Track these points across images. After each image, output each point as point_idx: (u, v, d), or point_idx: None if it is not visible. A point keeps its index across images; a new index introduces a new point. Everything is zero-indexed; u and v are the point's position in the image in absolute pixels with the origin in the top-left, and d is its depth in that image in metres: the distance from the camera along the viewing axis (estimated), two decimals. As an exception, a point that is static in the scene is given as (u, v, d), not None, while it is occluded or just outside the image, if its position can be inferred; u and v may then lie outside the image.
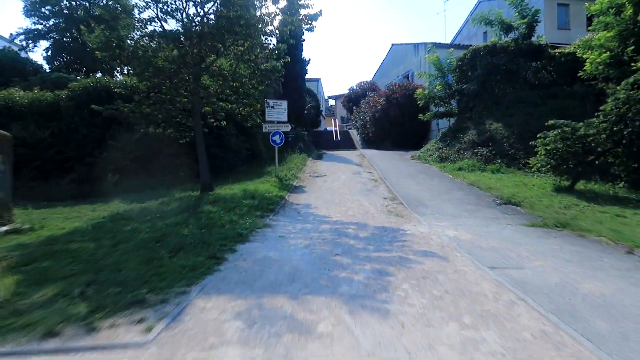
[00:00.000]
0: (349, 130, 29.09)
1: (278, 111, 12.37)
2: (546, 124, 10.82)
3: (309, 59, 24.03)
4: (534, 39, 16.75)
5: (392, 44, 26.51)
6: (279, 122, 12.48)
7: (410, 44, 23.66)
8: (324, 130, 31.46)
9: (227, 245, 5.21)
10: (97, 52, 9.59)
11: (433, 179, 11.85)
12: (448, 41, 26.59)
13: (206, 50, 10.00)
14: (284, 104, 12.57)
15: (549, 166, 10.51)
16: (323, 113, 37.27)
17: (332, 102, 47.33)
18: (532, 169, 11.38)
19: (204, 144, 10.52)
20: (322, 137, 27.24)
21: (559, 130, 10.37)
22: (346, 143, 26.32)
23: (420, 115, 18.69)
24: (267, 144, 16.68)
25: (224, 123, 11.53)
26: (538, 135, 10.93)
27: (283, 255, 4.89)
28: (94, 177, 12.70)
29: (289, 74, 24.42)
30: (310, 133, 26.52)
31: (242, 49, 10.32)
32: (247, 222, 6.87)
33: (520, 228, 6.55)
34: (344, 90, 31.86)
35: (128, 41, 9.46)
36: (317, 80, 36.17)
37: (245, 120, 11.28)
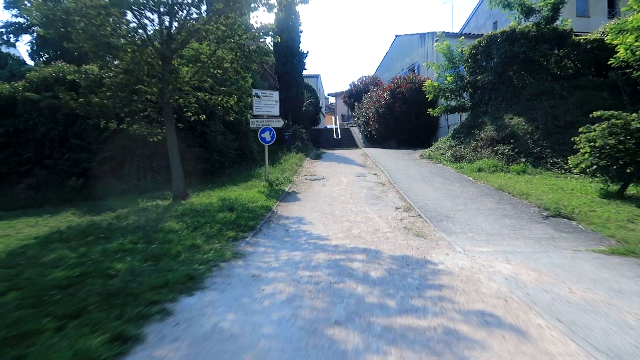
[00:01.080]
0: (351, 128, 27.04)
1: (268, 103, 10.33)
2: (591, 115, 8.76)
3: (307, 52, 22.01)
4: (557, 22, 14.66)
5: (396, 36, 24.44)
6: (269, 117, 10.44)
7: (416, 34, 21.57)
8: (323, 128, 29.43)
9: (162, 301, 3.19)
10: (39, 30, 7.58)
11: (452, 183, 9.81)
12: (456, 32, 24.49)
13: (177, 26, 7.98)
14: (275, 94, 10.53)
15: (594, 167, 8.45)
16: (323, 110, 35.22)
17: (332, 99, 45.26)
18: (573, 170, 9.31)
19: (184, 143, 8.57)
20: (322, 135, 25.20)
21: (608, 123, 8.31)
22: (347, 141, 24.27)
23: (429, 109, 16.62)
24: (260, 143, 14.80)
25: (203, 118, 9.50)
26: (580, 129, 8.86)
27: (247, 326, 2.86)
28: (54, 181, 10.71)
29: (285, 68, 22.41)
30: (309, 131, 24.49)
31: (223, 27, 8.30)
32: (212, 248, 4.85)
33: (599, 258, 4.50)
34: (345, 87, 29.81)
35: (77, 17, 7.43)
36: (317, 76, 34.09)
37: (227, 113, 9.27)
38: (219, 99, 8.89)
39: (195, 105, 8.72)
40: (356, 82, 26.89)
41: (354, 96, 26.32)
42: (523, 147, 12.25)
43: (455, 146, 14.35)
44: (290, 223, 6.46)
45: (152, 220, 6.65)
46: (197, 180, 10.72)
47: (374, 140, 21.51)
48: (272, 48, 8.89)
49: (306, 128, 23.40)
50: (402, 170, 11.99)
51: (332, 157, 16.53)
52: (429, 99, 16.96)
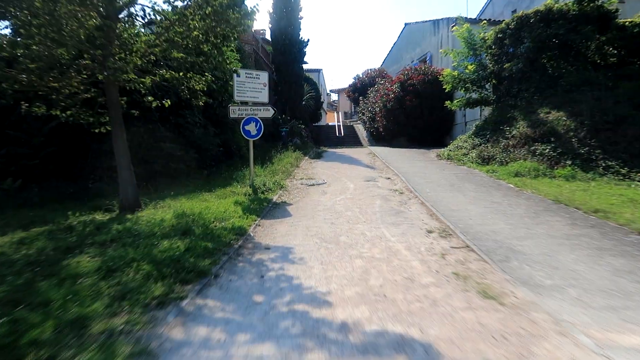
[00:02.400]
0: (354, 125, 24.58)
1: (253, 87, 7.89)
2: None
3: (308, 40, 19.53)
4: (602, 0, 12.19)
5: (405, 24, 21.92)
6: (255, 105, 7.99)
7: (429, 21, 19.08)
8: (325, 125, 26.98)
9: None
10: None
11: (490, 192, 7.37)
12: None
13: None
14: (263, 75, 8.07)
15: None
16: (324, 107, 32.75)
17: (334, 97, 42.79)
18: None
19: (151, 136, 6.22)
20: (323, 133, 22.77)
21: None
22: (351, 139, 21.83)
23: (446, 102, 14.17)
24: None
25: (167, 104, 7.06)
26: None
27: None
28: (-17, 184, 8.30)
29: (284, 57, 19.94)
30: (309, 127, 22.06)
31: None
32: (107, 329, 2.45)
33: None
34: (348, 84, 27.29)
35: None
36: (318, 71, 31.62)
37: (195, 96, 6.83)
38: (181, 76, 6.46)
39: (148, 83, 6.27)
40: (361, 75, 24.40)
41: (358, 90, 23.83)
42: (567, 147, 9.81)
43: (481, 145, 11.90)
44: (270, 260, 4.03)
45: (61, 250, 4.25)
46: (165, 184, 8.33)
47: (381, 137, 19.06)
48: (259, 10, 6.35)
49: (306, 124, 20.96)
50: (420, 173, 9.55)
51: (335, 157, 14.10)
52: (446, 90, 14.52)
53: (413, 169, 10.21)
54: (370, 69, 24.05)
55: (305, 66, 24.58)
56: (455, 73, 13.77)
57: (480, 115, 15.10)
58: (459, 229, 5.00)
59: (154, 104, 7.04)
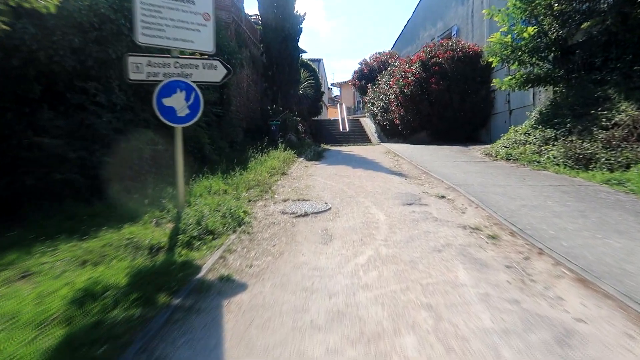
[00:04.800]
0: (361, 119, 20.32)
1: (182, 19, 3.70)
2: None
3: (305, 14, 15.24)
4: None
5: (422, -4, 17.61)
6: (183, 57, 3.81)
7: (454, -13, 14.79)
8: (326, 119, 22.76)
9: None
10: None
11: None
12: None
13: None
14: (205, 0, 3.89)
15: None
16: (325, 101, 28.49)
17: (336, 91, 38.53)
18: None
19: (24, 126, 2.68)
20: (324, 128, 18.56)
21: None
22: (357, 135, 17.60)
23: (494, 81, 9.94)
24: (237, 126, 8.51)
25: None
26: None
27: None
28: None
29: (275, 35, 15.64)
30: (308, 122, 17.86)
31: None
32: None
33: None
34: (350, 76, 22.87)
35: None
36: (319, 60, 27.36)
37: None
38: None
39: None
40: (368, 60, 20.05)
41: (365, 77, 19.49)
42: None
43: (558, 138, 7.67)
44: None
45: None
46: (42, 211, 4.21)
47: (396, 132, 14.79)
48: None
49: (303, 117, 16.75)
50: (492, 185, 5.33)
51: (341, 158, 9.89)
52: (493, 65, 10.27)
53: (472, 178, 5.99)
54: (380, 52, 19.71)
55: (304, 55, 20.39)
56: (508, 39, 9.50)
57: (534, 99, 10.85)
58: None
59: None
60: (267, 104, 14.44)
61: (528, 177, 6.06)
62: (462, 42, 13.24)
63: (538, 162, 7.23)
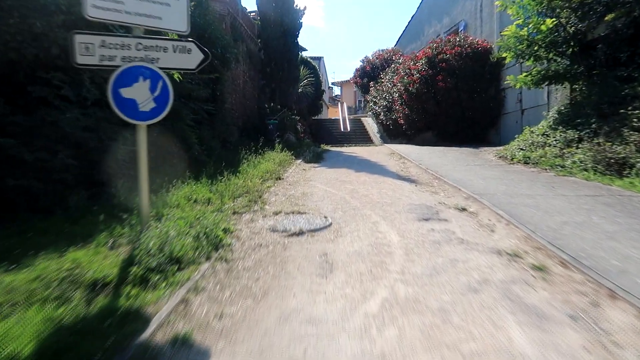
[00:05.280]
0: (362, 118, 19.53)
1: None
2: None
3: (304, 8, 14.47)
4: None
5: (428, -10, 16.80)
6: (148, 36, 3.04)
7: (462, -20, 13.99)
8: (326, 118, 21.98)
9: None
10: None
11: None
12: None
13: None
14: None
15: None
16: (326, 100, 27.72)
17: (337, 91, 37.74)
18: None
19: None
20: (324, 128, 17.78)
21: None
22: (359, 135, 16.83)
23: (508, 78, 9.16)
24: (230, 122, 7.84)
25: None
26: None
27: None
28: None
29: (273, 30, 14.85)
30: (307, 121, 17.09)
31: None
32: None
33: None
34: (351, 75, 22.03)
35: None
36: (319, 59, 26.58)
37: None
38: None
39: None
40: (371, 57, 19.24)
41: (367, 75, 18.69)
42: None
43: (581, 139, 6.90)
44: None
45: None
46: None
47: (400, 132, 14.01)
48: None
49: (303, 117, 15.98)
50: (517, 195, 4.56)
51: (342, 160, 9.11)
52: (506, 61, 9.50)
53: (493, 186, 5.21)
54: (382, 50, 18.91)
55: (304, 53, 19.61)
56: (524, 32, 8.71)
57: (549, 99, 10.08)
58: None
59: None
60: (265, 102, 13.67)
61: (556, 184, 5.27)
62: (471, 38, 12.45)
63: (562, 166, 6.45)
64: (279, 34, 13.86)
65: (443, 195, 4.77)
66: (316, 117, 19.06)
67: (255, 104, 13.94)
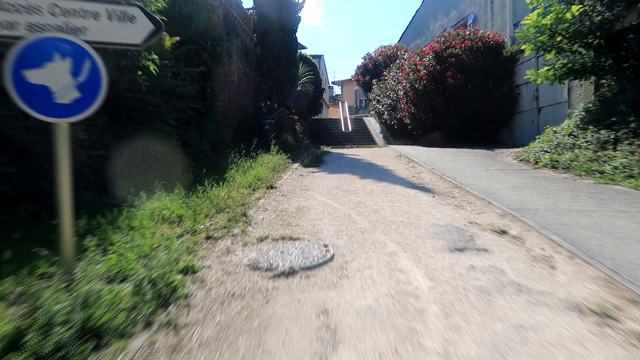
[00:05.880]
0: (364, 118, 18.59)
1: None
2: None
3: (303, 1, 13.53)
4: None
5: (433, -16, 15.83)
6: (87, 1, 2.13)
7: (471, -30, 13.04)
8: (326, 118, 21.03)
9: None
10: None
11: None
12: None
13: None
14: None
15: None
16: (326, 100, 26.77)
17: (337, 90, 36.79)
18: None
19: None
20: (324, 128, 16.86)
21: None
22: (361, 136, 15.90)
23: (528, 72, 8.20)
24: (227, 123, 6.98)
25: None
26: None
27: None
28: None
29: (270, 24, 13.87)
30: (307, 121, 16.15)
31: None
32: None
33: None
34: (352, 74, 21.02)
35: None
36: (319, 57, 25.64)
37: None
38: None
39: None
40: (373, 54, 18.29)
41: (369, 72, 17.73)
42: None
43: (621, 142, 5.94)
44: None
45: None
46: None
47: (405, 132, 13.07)
48: None
49: (302, 116, 15.05)
50: (568, 210, 3.60)
51: (344, 164, 8.17)
52: (526, 53, 8.56)
53: (529, 198, 4.26)
54: (385, 46, 17.93)
55: (303, 51, 18.67)
56: (546, 21, 7.75)
57: (569, 96, 9.13)
58: None
59: None
60: (262, 101, 12.73)
61: (604, 196, 4.33)
62: (481, 32, 11.51)
63: (600, 172, 5.50)
64: (277, 28, 12.94)
65: (470, 210, 3.83)
66: (316, 117, 18.12)
67: (251, 103, 13.01)
